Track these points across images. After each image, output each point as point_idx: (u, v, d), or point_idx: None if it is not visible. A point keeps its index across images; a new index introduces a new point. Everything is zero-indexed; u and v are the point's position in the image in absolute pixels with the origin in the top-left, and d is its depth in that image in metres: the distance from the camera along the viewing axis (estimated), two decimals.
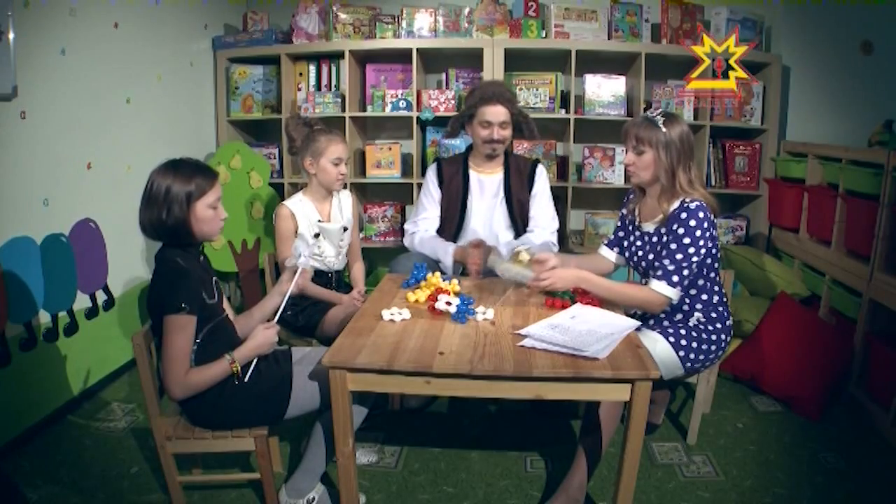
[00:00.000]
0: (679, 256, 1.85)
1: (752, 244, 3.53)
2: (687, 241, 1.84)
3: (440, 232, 2.63)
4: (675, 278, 1.86)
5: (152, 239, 1.67)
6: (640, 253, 2.05)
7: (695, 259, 1.85)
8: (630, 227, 2.13)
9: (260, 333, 1.73)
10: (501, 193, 2.58)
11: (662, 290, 1.86)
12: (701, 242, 1.84)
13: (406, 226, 2.69)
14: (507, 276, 1.99)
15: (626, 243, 2.14)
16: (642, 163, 1.93)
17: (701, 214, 1.85)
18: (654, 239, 1.98)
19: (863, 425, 2.41)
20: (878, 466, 2.15)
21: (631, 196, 2.15)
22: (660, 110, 2.00)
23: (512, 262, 1.97)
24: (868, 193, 2.53)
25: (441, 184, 2.62)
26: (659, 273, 1.87)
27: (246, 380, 1.70)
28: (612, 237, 2.23)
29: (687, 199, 1.89)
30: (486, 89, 2.49)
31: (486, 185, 2.60)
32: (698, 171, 1.95)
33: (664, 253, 1.88)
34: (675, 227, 1.87)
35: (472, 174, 2.60)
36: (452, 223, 2.60)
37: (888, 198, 2.38)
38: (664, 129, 1.88)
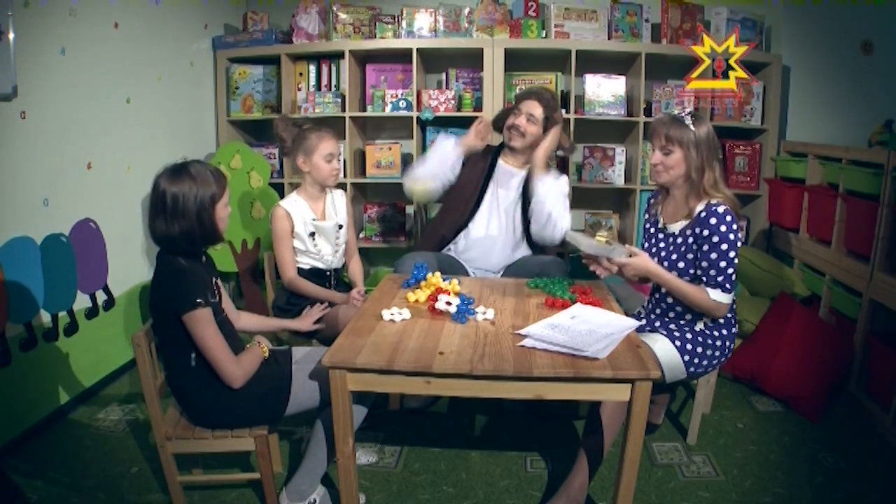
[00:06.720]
0: (723, 264, 1.86)
1: (753, 244, 3.53)
2: (724, 246, 1.85)
3: (450, 214, 2.65)
4: (728, 285, 1.88)
5: (174, 249, 1.65)
6: (662, 253, 2.02)
7: (736, 260, 1.87)
8: (653, 229, 2.11)
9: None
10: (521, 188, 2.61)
11: (718, 297, 1.88)
12: (739, 244, 1.87)
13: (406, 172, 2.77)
14: (586, 248, 1.98)
15: (647, 244, 2.12)
16: (669, 162, 1.93)
17: (728, 218, 1.86)
18: (679, 240, 1.97)
19: (863, 425, 2.41)
20: (878, 466, 2.15)
21: (657, 197, 2.13)
22: (688, 110, 2.00)
23: (591, 237, 2.04)
24: (868, 193, 2.53)
25: (464, 164, 2.64)
26: (711, 283, 1.88)
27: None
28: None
29: (712, 202, 1.89)
30: (531, 89, 2.70)
31: (510, 176, 2.62)
32: (721, 172, 1.96)
33: (704, 263, 1.88)
34: (705, 232, 1.87)
35: (500, 162, 2.65)
36: (468, 204, 2.60)
37: (888, 198, 2.38)
38: (693, 129, 1.89)
